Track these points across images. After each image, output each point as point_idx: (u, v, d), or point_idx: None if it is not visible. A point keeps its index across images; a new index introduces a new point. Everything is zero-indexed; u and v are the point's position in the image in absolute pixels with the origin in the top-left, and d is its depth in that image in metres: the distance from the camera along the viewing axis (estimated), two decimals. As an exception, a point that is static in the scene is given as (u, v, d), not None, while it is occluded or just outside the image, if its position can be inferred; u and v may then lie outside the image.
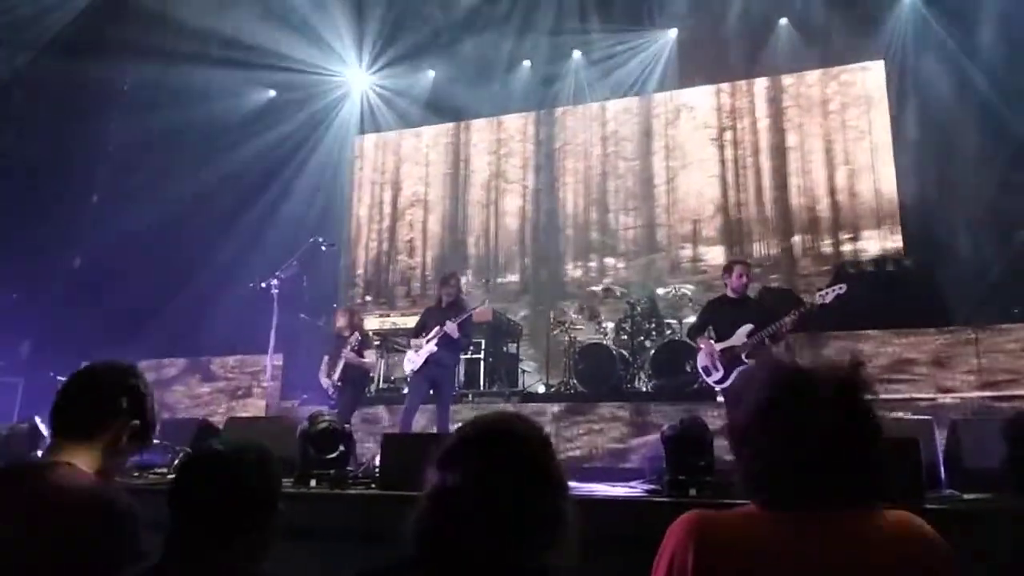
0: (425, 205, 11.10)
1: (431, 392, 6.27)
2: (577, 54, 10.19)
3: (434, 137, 11.23)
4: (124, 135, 9.44)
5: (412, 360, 6.32)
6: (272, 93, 10.68)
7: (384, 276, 11.03)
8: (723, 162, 9.75)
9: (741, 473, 1.39)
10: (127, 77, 9.28)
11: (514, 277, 10.44)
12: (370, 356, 6.68)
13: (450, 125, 11.13)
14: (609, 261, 10.00)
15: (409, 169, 11.33)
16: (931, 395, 6.23)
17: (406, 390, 6.59)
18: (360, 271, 11.13)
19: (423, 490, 1.24)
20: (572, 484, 3.86)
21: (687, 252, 9.63)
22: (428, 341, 6.18)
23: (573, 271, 10.20)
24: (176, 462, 4.13)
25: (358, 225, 11.37)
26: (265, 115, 10.58)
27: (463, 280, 9.92)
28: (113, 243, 8.89)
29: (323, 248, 6.70)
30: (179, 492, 1.56)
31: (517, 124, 10.86)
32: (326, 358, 6.70)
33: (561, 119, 10.65)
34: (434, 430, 6.20)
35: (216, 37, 9.15)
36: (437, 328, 6.14)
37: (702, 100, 9.99)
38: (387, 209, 11.30)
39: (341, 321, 6.75)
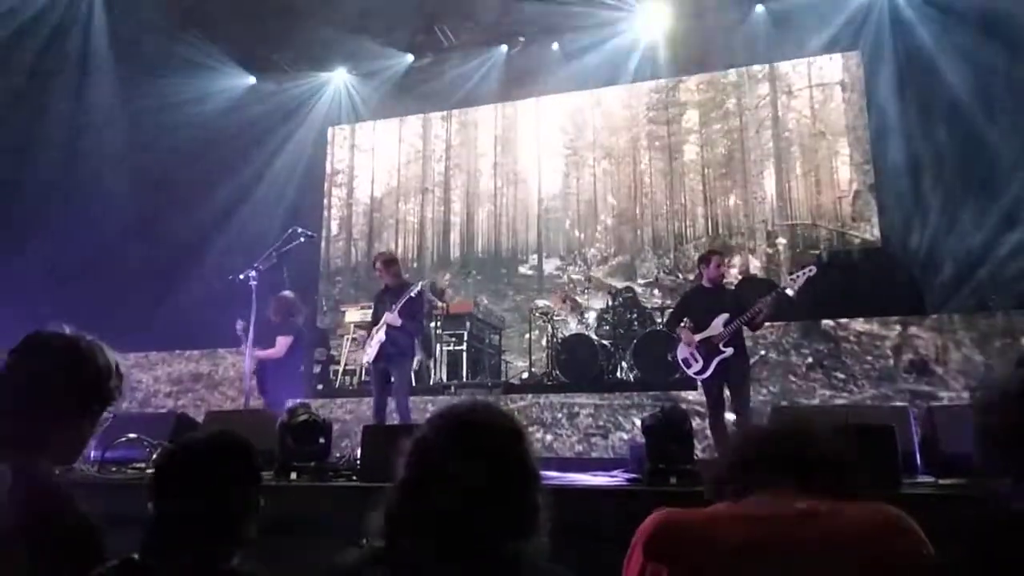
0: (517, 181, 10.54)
1: (390, 381, 6.16)
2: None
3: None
4: (97, 129, 9.29)
5: (367, 352, 6.26)
6: (252, 80, 10.54)
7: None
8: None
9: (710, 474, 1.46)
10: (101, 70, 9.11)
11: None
12: (281, 346, 6.55)
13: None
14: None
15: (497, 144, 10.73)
16: None
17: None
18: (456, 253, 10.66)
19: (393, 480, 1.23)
20: (554, 474, 3.89)
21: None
22: (377, 331, 6.08)
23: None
24: (154, 456, 4.09)
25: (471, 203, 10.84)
26: (243, 103, 10.45)
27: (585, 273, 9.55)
28: (88, 237, 8.75)
29: (301, 239, 6.63)
30: (159, 483, 1.54)
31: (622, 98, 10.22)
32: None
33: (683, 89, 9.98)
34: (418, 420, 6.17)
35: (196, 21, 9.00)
36: (387, 314, 6.06)
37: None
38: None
39: (273, 311, 6.65)
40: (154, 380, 8.70)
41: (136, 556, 1.47)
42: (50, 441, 1.58)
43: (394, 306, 6.00)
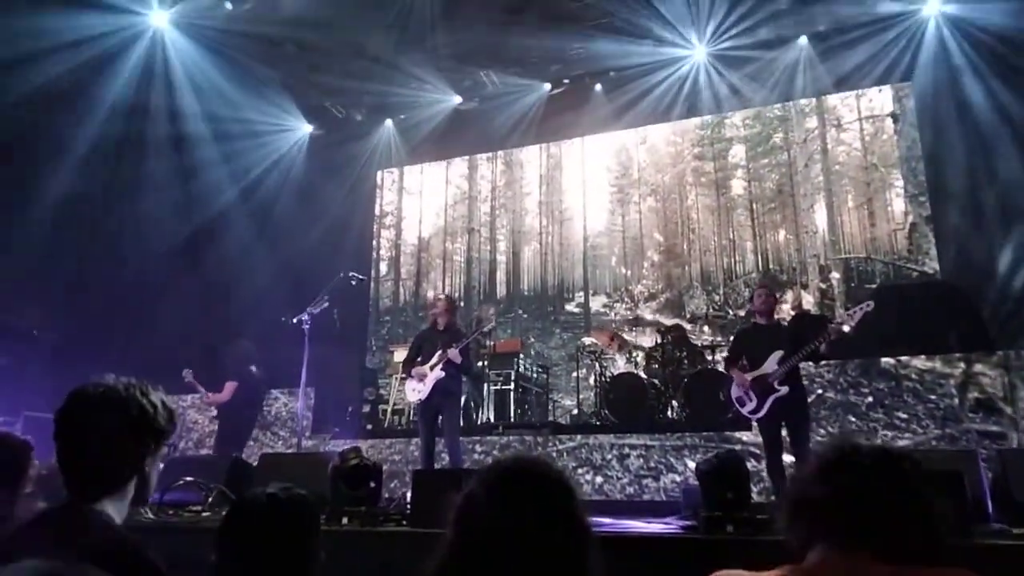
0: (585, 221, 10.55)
1: (439, 421, 6.10)
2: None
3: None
4: (151, 169, 9.68)
5: (418, 389, 6.09)
6: (308, 127, 10.88)
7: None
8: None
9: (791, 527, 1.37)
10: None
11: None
12: (227, 392, 6.77)
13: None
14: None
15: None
16: None
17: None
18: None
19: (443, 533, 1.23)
20: (607, 520, 3.81)
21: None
22: (432, 368, 6.02)
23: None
24: (211, 499, 4.16)
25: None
26: (299, 149, 10.80)
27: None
28: (138, 278, 9.05)
29: (352, 282, 6.75)
30: (225, 537, 1.57)
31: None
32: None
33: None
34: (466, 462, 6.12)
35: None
36: (440, 353, 6.00)
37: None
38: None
39: (228, 357, 6.94)
40: (209, 421, 8.87)
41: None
42: (119, 485, 1.63)
43: (456, 344, 5.99)
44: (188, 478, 4.20)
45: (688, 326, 8.75)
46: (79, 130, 8.80)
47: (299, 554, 1.56)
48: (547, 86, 10.11)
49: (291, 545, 1.54)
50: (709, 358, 7.80)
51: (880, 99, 9.16)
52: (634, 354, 8.21)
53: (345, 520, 3.73)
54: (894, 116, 9.02)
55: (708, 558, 1.40)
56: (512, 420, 8.03)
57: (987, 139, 7.79)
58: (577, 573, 1.19)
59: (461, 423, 6.74)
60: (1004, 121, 7.66)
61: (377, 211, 11.57)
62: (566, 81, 10.04)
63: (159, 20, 8.69)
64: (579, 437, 7.33)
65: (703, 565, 1.42)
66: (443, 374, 6.00)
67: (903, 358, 6.91)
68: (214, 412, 8.65)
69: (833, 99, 9.36)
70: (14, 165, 8.28)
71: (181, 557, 1.79)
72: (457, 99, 10.35)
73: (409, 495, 4.07)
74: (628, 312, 9.58)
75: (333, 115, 10.74)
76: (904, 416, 6.66)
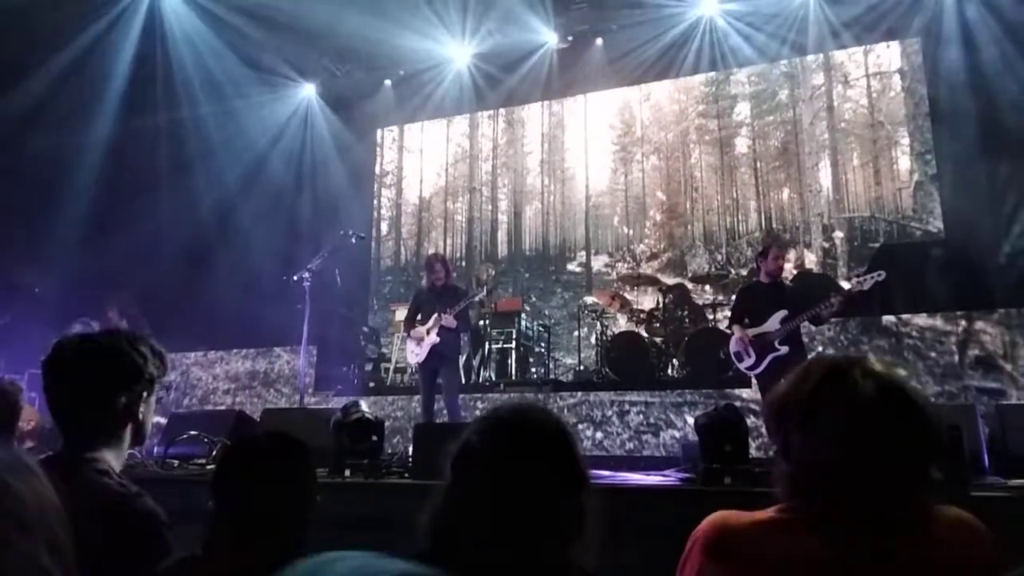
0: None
1: (439, 381, 6.18)
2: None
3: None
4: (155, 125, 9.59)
5: (415, 352, 6.18)
6: (306, 85, 10.72)
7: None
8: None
9: (784, 473, 1.34)
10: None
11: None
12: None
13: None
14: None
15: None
16: None
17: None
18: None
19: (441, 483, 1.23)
20: (606, 473, 3.86)
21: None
22: (429, 332, 6.07)
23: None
24: (215, 452, 4.21)
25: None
26: (298, 106, 10.67)
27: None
28: (145, 234, 9.03)
29: (353, 240, 6.74)
30: (220, 481, 1.58)
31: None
32: None
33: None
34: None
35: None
36: (436, 318, 6.05)
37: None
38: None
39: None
40: (213, 378, 8.96)
41: (198, 552, 1.51)
42: (114, 432, 1.64)
43: (450, 309, 6.02)
44: (192, 432, 4.25)
45: (690, 285, 8.74)
46: (79, 89, 8.70)
47: (294, 496, 1.57)
48: (549, 42, 9.91)
49: (285, 487, 1.55)
50: (711, 317, 7.82)
51: (888, 55, 8.99)
52: (635, 313, 8.22)
53: (348, 472, 3.78)
54: (902, 72, 8.87)
55: (705, 508, 1.41)
56: (513, 378, 8.09)
57: (995, 97, 7.66)
58: (571, 517, 1.19)
59: (462, 381, 6.79)
60: (1014, 79, 7.52)
61: (377, 170, 11.47)
62: (569, 37, 9.86)
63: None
64: (580, 394, 7.39)
65: (700, 515, 1.42)
66: (438, 339, 6.05)
67: (904, 316, 6.92)
68: (217, 369, 8.75)
69: (840, 55, 9.17)
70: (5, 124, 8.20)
71: (188, 509, 1.81)
72: (458, 54, 10.15)
73: (411, 449, 4.12)
74: (629, 272, 9.57)
75: (332, 74, 10.57)
76: (904, 373, 6.68)
